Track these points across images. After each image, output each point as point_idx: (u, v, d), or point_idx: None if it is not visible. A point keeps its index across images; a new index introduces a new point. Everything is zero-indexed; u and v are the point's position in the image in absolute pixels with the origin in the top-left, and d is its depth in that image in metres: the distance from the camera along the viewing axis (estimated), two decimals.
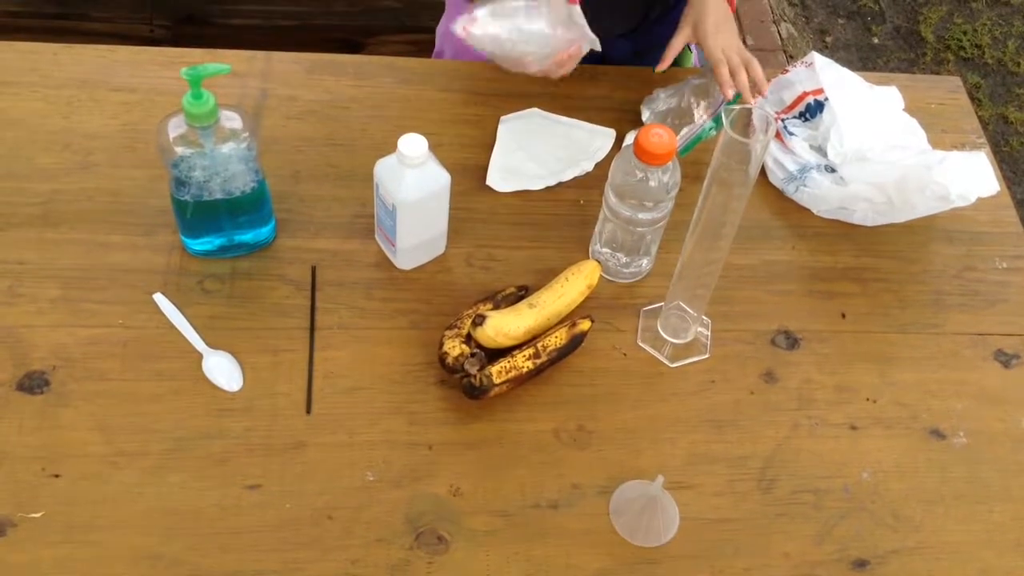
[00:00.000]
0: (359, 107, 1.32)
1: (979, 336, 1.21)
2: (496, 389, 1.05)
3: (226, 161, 1.05)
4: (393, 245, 1.14)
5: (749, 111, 0.92)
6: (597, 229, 1.18)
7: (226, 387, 1.06)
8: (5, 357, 1.05)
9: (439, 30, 1.55)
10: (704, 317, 1.16)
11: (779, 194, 1.31)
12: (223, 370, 1.06)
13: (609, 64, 1.39)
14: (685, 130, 1.27)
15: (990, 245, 1.30)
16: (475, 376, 1.04)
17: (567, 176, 1.28)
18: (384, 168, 1.08)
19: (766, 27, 2.85)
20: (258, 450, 1.02)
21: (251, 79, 1.33)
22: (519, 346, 1.08)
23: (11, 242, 1.14)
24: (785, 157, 1.31)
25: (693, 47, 1.50)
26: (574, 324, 1.10)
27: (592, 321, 1.12)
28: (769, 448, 1.08)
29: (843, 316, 1.21)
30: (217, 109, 1.01)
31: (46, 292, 1.10)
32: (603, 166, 1.28)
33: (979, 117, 1.88)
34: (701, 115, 1.27)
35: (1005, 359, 1.19)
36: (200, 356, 1.07)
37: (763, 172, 1.32)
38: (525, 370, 1.06)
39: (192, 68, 0.98)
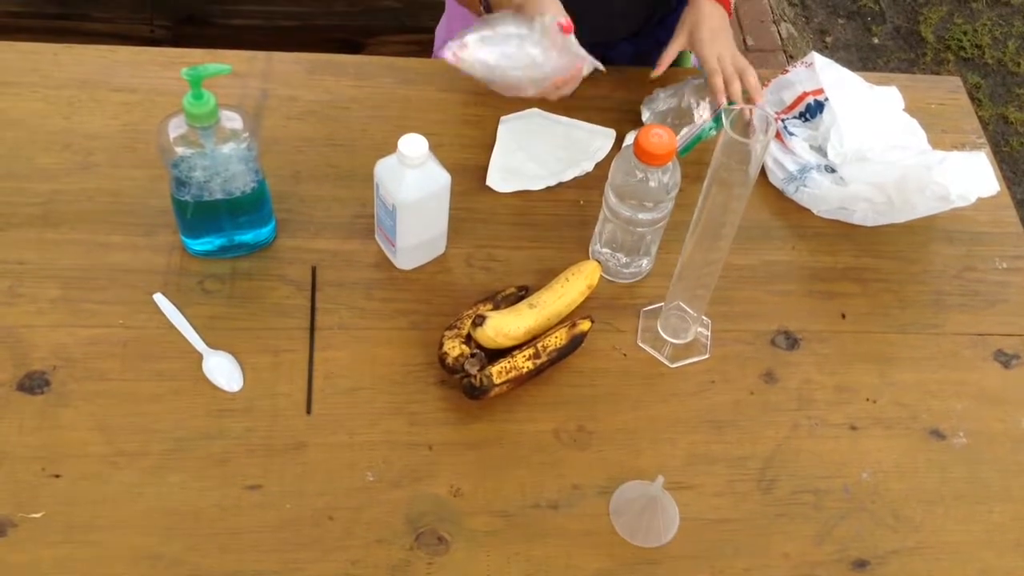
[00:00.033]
0: (359, 107, 1.32)
1: (979, 336, 1.21)
2: (496, 389, 1.05)
3: (226, 161, 1.05)
4: (393, 245, 1.14)
5: (749, 111, 0.92)
6: (597, 229, 1.18)
7: (226, 387, 1.06)
8: (5, 357, 1.05)
9: (439, 30, 1.55)
10: (704, 317, 1.16)
11: (779, 194, 1.31)
12: (223, 370, 1.07)
13: (610, 65, 1.39)
14: (685, 130, 1.27)
15: (990, 245, 1.30)
16: (475, 376, 1.04)
17: (567, 176, 1.28)
18: (384, 168, 1.08)
19: (766, 27, 2.85)
20: (258, 450, 1.02)
21: (251, 79, 1.33)
22: (519, 346, 1.08)
23: (11, 242, 1.14)
24: (785, 157, 1.31)
25: None
26: (574, 324, 1.11)
27: (592, 321, 1.12)
28: (769, 448, 1.08)
29: (843, 316, 1.21)
30: (217, 109, 1.01)
31: (46, 292, 1.10)
32: (603, 166, 1.28)
33: (979, 117, 1.88)
34: (701, 115, 1.27)
35: (1005, 359, 1.19)
36: (200, 356, 1.07)
37: (763, 172, 1.32)
38: (525, 370, 1.06)
39: (193, 68, 0.98)
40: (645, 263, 1.19)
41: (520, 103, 1.32)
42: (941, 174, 1.19)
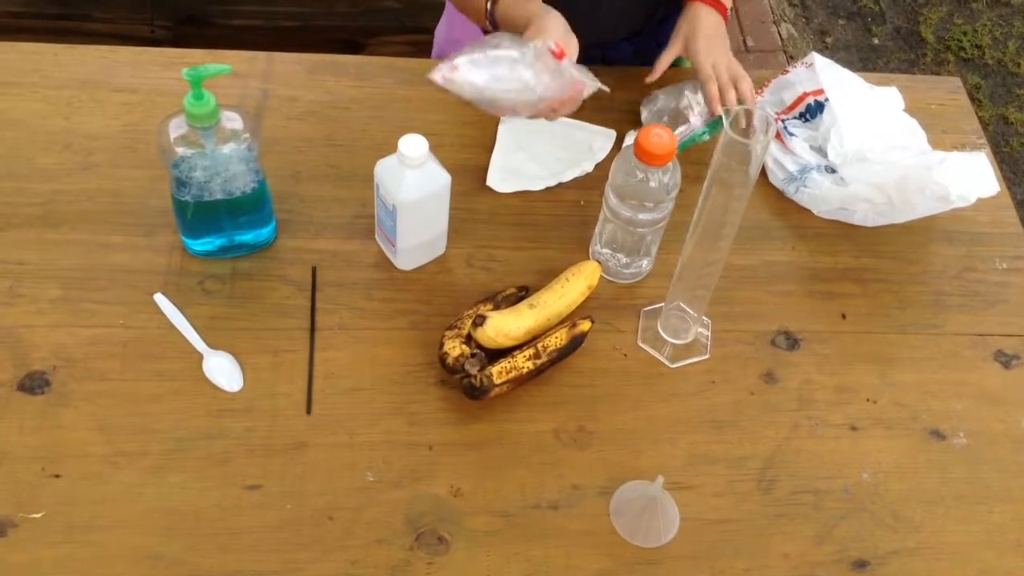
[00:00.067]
0: (360, 108, 1.32)
1: (979, 337, 1.21)
2: (496, 389, 1.05)
3: (227, 161, 1.05)
4: (393, 245, 1.14)
5: (749, 111, 0.92)
6: (597, 230, 1.18)
7: (226, 387, 1.06)
8: (5, 357, 1.05)
9: (438, 32, 1.55)
10: (704, 318, 1.16)
11: (779, 194, 1.31)
12: (223, 370, 1.07)
13: (610, 65, 1.39)
14: (681, 129, 1.27)
15: (990, 246, 1.30)
16: (475, 376, 1.04)
17: (567, 177, 1.28)
18: (384, 168, 1.08)
19: (766, 27, 2.85)
20: (258, 450, 1.02)
21: (252, 80, 1.33)
22: (519, 346, 1.08)
23: (11, 242, 1.14)
24: (785, 158, 1.31)
25: None
26: (574, 325, 1.11)
27: (592, 322, 1.12)
28: (769, 449, 1.08)
29: (843, 317, 1.21)
30: (218, 110, 1.01)
31: (46, 292, 1.10)
32: (603, 167, 1.28)
33: (979, 118, 1.88)
34: (696, 117, 1.28)
35: (1005, 360, 1.19)
36: (200, 356, 1.07)
37: (763, 173, 1.32)
38: (525, 370, 1.06)
39: (193, 69, 0.98)
40: (645, 263, 1.19)
41: None
42: (941, 174, 1.20)
